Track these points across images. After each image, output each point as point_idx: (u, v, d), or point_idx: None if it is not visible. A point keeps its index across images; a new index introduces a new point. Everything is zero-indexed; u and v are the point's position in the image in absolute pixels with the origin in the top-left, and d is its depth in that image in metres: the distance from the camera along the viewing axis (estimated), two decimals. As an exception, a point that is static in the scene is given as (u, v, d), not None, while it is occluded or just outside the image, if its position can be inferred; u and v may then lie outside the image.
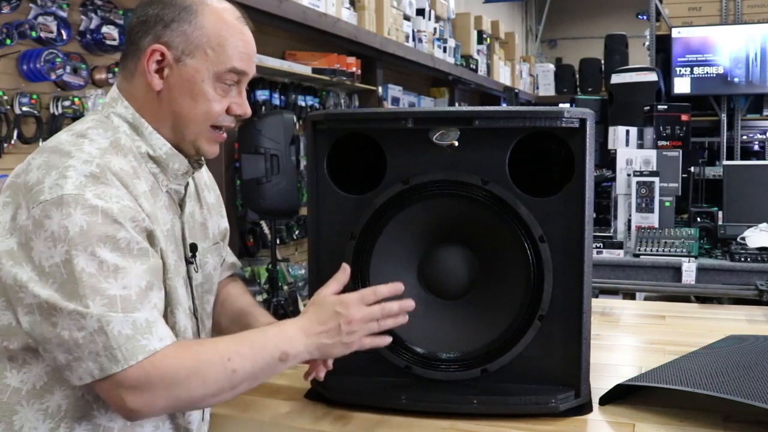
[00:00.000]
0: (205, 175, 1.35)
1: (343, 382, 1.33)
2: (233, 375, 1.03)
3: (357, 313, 1.11)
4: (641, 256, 3.09)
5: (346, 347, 1.12)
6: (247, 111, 1.18)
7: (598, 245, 3.17)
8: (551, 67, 11.03)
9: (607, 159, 3.86)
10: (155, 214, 1.10)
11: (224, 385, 1.03)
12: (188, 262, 1.21)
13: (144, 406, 0.99)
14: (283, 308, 3.81)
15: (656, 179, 3.27)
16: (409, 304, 1.17)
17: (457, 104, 7.53)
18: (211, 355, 1.03)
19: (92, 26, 3.12)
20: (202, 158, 1.22)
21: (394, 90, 6.19)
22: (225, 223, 1.37)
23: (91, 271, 0.97)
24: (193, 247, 1.22)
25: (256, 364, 1.05)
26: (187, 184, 1.23)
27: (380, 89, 5.66)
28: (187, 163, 1.18)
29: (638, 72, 5.06)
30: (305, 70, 4.62)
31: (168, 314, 1.13)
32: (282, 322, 1.13)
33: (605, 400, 1.30)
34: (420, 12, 6.47)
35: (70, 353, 0.97)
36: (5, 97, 2.78)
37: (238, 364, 1.03)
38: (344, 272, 1.19)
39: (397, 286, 1.17)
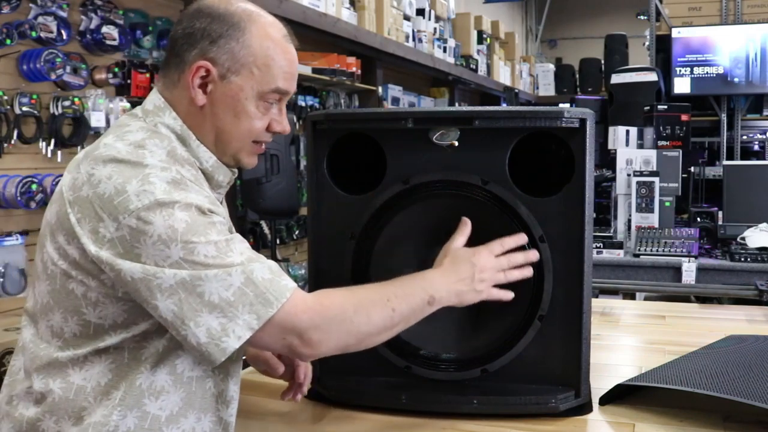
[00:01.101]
0: None
1: (343, 382, 1.33)
2: (393, 314, 1.10)
3: (488, 263, 1.18)
4: (641, 256, 3.09)
5: (477, 294, 1.19)
6: (287, 128, 1.20)
7: (598, 245, 3.17)
8: (551, 67, 11.02)
9: (607, 159, 3.86)
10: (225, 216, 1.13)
11: (386, 324, 1.10)
12: None
13: (321, 341, 1.05)
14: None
15: (656, 179, 3.27)
16: (534, 254, 1.23)
17: (457, 104, 7.53)
18: (372, 294, 1.11)
19: (92, 26, 3.13)
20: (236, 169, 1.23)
21: (394, 90, 6.19)
22: None
23: (212, 253, 1.01)
24: None
25: (410, 306, 1.12)
26: None
27: (380, 89, 5.66)
28: (231, 174, 1.20)
29: (638, 72, 5.06)
30: (305, 70, 4.62)
31: None
32: (424, 272, 1.19)
33: (605, 400, 1.30)
34: (420, 12, 6.47)
35: (224, 314, 1.00)
36: (5, 97, 2.78)
37: (396, 304, 1.10)
38: (466, 225, 1.24)
39: (522, 237, 1.23)
